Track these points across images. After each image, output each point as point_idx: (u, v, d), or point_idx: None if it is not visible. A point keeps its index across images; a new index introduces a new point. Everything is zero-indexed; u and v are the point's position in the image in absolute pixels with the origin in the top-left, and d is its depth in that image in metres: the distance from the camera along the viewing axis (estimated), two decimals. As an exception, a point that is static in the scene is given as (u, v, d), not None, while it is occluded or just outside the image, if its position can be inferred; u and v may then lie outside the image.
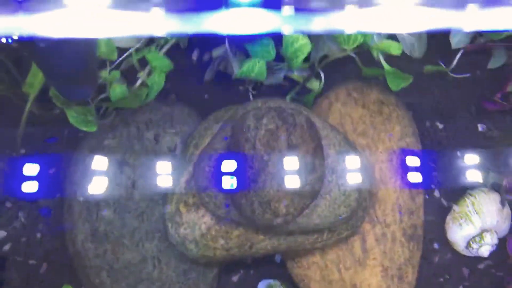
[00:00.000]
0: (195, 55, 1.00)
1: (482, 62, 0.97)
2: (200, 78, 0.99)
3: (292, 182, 0.72)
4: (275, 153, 0.71)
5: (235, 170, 0.73)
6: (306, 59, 0.88)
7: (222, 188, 0.75)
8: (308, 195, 0.73)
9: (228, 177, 0.74)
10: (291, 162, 0.72)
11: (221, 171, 0.75)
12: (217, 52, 0.94)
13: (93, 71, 0.61)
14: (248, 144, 0.72)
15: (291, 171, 0.72)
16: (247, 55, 0.87)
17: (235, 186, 0.73)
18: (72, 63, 0.53)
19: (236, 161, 0.73)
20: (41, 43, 0.45)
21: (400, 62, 0.90)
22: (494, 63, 0.95)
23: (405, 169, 0.90)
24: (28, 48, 0.48)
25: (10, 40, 0.44)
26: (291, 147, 0.72)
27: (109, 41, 0.68)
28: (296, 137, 0.72)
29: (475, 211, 0.90)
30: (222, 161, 0.75)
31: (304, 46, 0.79)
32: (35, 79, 0.69)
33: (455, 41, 0.90)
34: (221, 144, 0.76)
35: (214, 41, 0.95)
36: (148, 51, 0.79)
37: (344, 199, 0.78)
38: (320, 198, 0.77)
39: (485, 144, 0.96)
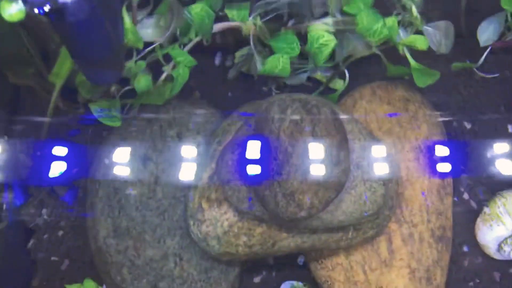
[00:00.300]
0: (218, 56, 1.01)
1: (511, 62, 0.96)
2: (224, 78, 1.00)
3: (317, 174, 0.70)
4: (299, 144, 0.70)
5: (259, 162, 0.72)
6: (331, 58, 0.87)
7: (246, 181, 0.74)
8: (333, 188, 0.72)
9: (252, 169, 0.73)
10: (315, 154, 0.70)
11: (245, 163, 0.74)
12: (240, 53, 0.94)
13: (120, 55, 0.62)
14: (272, 136, 0.71)
15: (315, 163, 0.70)
16: (271, 54, 0.87)
17: (258, 178, 0.72)
18: (101, 43, 0.53)
19: (260, 153, 0.72)
20: (72, 16, 0.45)
21: (426, 62, 0.89)
22: (524, 63, 0.93)
23: (433, 168, 0.88)
24: (58, 23, 0.48)
25: (41, 11, 0.45)
26: (316, 139, 0.71)
27: (135, 29, 0.68)
28: (321, 128, 0.71)
29: (507, 212, 0.87)
30: (245, 153, 0.74)
31: (329, 41, 0.79)
32: (62, 69, 0.70)
33: (483, 39, 0.88)
34: (244, 136, 0.75)
35: (238, 41, 0.96)
36: (172, 48, 0.79)
37: (370, 195, 0.76)
38: (345, 194, 0.75)
39: (515, 145, 0.93)
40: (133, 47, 0.72)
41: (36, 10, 0.44)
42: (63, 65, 0.69)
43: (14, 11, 0.45)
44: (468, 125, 0.95)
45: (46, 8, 0.44)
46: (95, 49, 0.54)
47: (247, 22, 0.82)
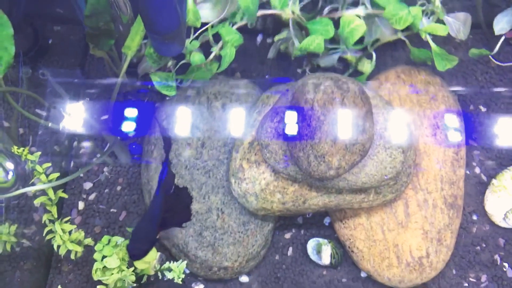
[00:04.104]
0: (259, 38, 1.13)
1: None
2: (263, 61, 1.12)
3: (344, 140, 0.82)
4: (330, 114, 0.82)
5: (294, 128, 0.84)
6: (360, 41, 0.98)
7: (282, 145, 0.86)
8: (358, 153, 0.83)
9: (288, 134, 0.85)
10: (344, 123, 0.82)
11: (282, 129, 0.86)
12: (280, 36, 1.06)
13: (183, 31, 0.74)
14: (307, 106, 0.83)
15: (343, 130, 0.82)
16: (307, 37, 0.98)
17: (294, 142, 0.84)
18: (171, 19, 0.66)
19: (296, 121, 0.84)
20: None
21: (446, 50, 0.99)
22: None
23: (448, 144, 0.99)
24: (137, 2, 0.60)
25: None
26: (345, 109, 0.82)
27: (196, 9, 0.81)
28: (349, 101, 0.83)
29: (513, 184, 0.97)
30: (283, 121, 0.86)
31: (359, 26, 0.90)
32: (133, 42, 0.83)
33: (497, 29, 0.98)
34: (282, 107, 0.87)
35: (277, 26, 1.07)
36: (222, 26, 0.91)
37: (390, 161, 0.87)
38: (368, 159, 0.87)
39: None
40: (192, 26, 0.84)
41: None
42: (134, 40, 0.82)
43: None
44: (483, 109, 1.05)
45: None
46: (166, 23, 0.66)
47: (286, 9, 0.94)
